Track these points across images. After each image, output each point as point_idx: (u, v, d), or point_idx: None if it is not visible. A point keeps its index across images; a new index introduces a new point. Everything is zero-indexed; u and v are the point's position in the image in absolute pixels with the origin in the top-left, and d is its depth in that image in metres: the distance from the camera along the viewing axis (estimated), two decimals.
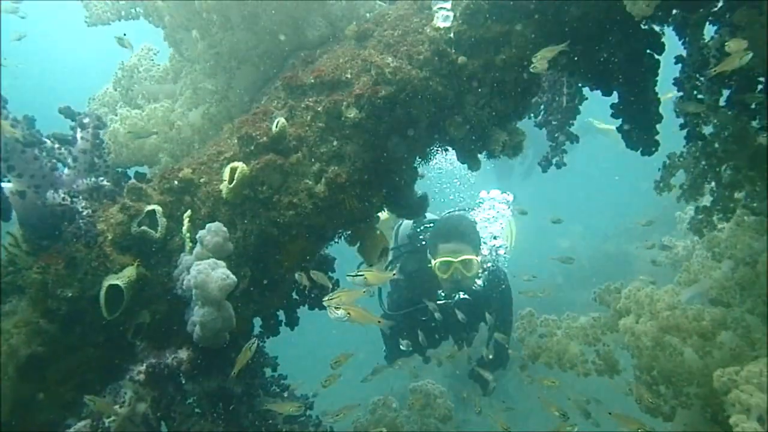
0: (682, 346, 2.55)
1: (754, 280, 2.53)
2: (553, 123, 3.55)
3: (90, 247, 2.76)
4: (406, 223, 5.18)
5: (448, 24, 3.02)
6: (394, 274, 3.73)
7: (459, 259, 4.41)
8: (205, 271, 2.55)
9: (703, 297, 2.96)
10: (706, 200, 3.15)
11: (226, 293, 2.60)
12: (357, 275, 3.14)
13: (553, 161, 3.65)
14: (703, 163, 3.14)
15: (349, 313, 2.70)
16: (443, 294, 4.50)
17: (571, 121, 3.48)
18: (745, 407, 1.99)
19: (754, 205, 3.01)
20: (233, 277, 2.61)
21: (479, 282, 4.64)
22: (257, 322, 3.82)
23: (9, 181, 2.92)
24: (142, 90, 4.07)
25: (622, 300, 2.58)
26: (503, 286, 4.83)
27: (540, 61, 2.67)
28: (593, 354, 3.28)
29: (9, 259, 2.95)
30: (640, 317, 2.51)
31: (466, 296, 4.39)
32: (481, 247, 4.66)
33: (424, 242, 4.87)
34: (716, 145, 3.11)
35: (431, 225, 4.92)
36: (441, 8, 3.03)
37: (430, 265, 4.56)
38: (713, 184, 3.09)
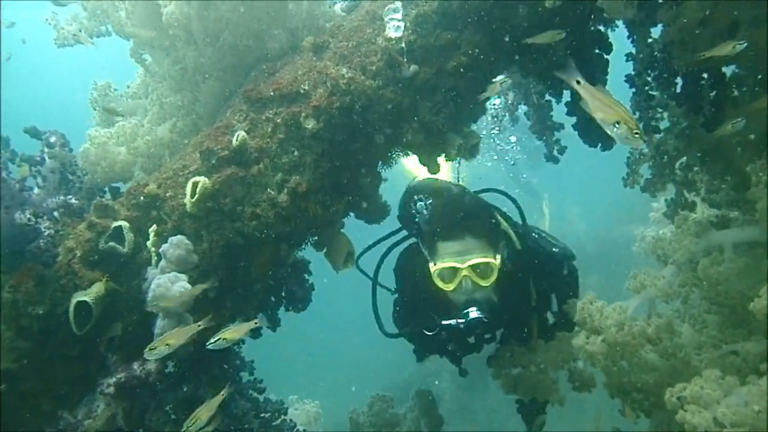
0: (643, 354, 2.60)
1: (696, 284, 2.58)
2: (534, 121, 3.63)
3: (48, 266, 2.86)
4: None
5: (399, 34, 3.08)
6: (255, 323, 2.76)
7: (468, 263, 2.93)
8: (165, 284, 2.64)
9: (650, 305, 2.98)
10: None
11: (186, 306, 2.69)
12: (217, 341, 2.64)
13: (555, 153, 3.73)
14: (659, 158, 3.19)
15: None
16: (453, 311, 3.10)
17: (549, 114, 3.54)
18: (691, 428, 2.04)
19: (713, 197, 3.07)
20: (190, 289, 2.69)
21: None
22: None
23: None
24: (119, 107, 4.16)
25: (578, 312, 2.63)
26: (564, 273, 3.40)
27: (491, 89, 2.96)
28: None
29: None
30: (589, 336, 2.57)
31: (479, 315, 2.93)
32: (501, 238, 3.14)
33: (418, 228, 3.24)
34: (669, 142, 3.16)
35: (423, 204, 3.13)
36: (392, 19, 3.09)
37: (427, 273, 3.10)
38: (672, 178, 3.14)
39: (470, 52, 3.07)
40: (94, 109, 4.21)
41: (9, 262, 3.07)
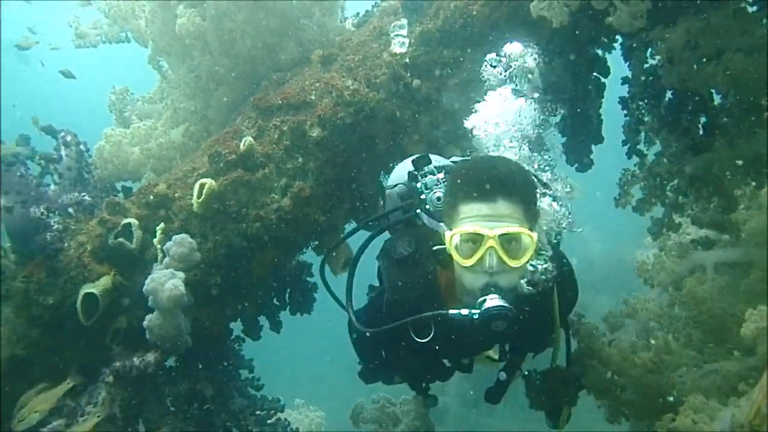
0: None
1: (681, 303, 2.68)
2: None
3: (52, 258, 3.00)
4: (400, 174, 2.79)
5: (404, 50, 3.22)
6: (68, 384, 2.44)
7: (497, 231, 2.06)
8: (158, 280, 2.78)
9: (645, 328, 3.07)
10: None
11: (175, 302, 2.81)
12: (28, 417, 2.50)
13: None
14: (653, 180, 3.30)
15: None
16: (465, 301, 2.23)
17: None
18: None
19: (700, 219, 3.16)
20: (182, 288, 2.82)
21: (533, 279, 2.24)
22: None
23: None
24: (135, 110, 4.34)
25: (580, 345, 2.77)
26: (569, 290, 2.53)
27: None
28: None
29: None
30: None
31: (505, 305, 2.07)
32: (538, 216, 2.26)
33: (428, 203, 2.49)
34: (662, 164, 3.26)
35: (446, 169, 2.57)
36: (398, 35, 3.23)
37: (440, 246, 2.27)
38: (661, 199, 3.24)
39: (473, 69, 3.20)
40: (111, 112, 4.40)
41: (22, 254, 3.22)
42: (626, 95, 3.25)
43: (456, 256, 2.13)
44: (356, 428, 4.69)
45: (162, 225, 3.25)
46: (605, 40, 3.18)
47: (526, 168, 2.25)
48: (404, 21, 3.27)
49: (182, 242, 2.96)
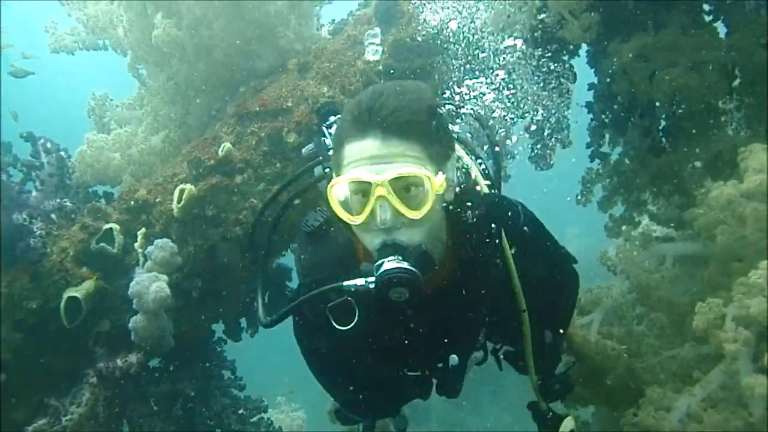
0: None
1: (644, 293, 2.82)
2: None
3: (36, 263, 3.07)
4: None
5: (377, 57, 3.33)
6: None
7: (386, 176, 1.51)
8: (143, 282, 2.86)
9: (609, 315, 3.20)
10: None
11: (161, 304, 2.90)
12: None
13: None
14: (615, 179, 3.44)
15: None
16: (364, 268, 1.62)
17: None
18: None
19: (661, 215, 3.32)
20: (167, 290, 2.91)
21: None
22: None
23: None
24: (114, 116, 4.40)
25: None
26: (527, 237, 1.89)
27: None
28: None
29: None
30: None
31: (404, 267, 1.51)
32: (450, 156, 1.66)
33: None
34: (626, 163, 3.41)
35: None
36: (371, 43, 3.34)
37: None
38: (623, 198, 3.39)
39: (443, 75, 3.33)
40: (90, 117, 4.45)
41: (5, 259, 3.28)
42: (591, 100, 3.40)
43: (342, 214, 1.56)
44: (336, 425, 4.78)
45: (143, 230, 3.33)
46: (571, 47, 3.31)
47: (432, 96, 1.63)
48: (377, 30, 3.39)
49: (164, 246, 3.05)
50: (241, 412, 3.80)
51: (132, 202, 3.44)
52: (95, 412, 3.06)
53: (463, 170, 1.75)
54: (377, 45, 3.38)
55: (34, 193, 3.48)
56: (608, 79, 3.27)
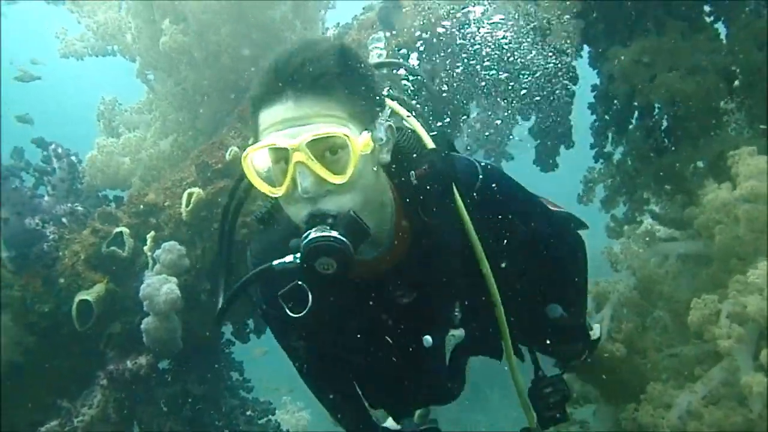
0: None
1: (647, 287, 2.84)
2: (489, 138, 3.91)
3: (49, 268, 3.14)
4: None
5: (380, 60, 3.37)
6: None
7: (301, 139, 1.31)
8: (154, 285, 2.92)
9: (617, 310, 3.21)
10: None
11: (171, 306, 2.95)
12: None
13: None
14: (618, 179, 3.47)
15: None
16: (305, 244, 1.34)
17: (506, 141, 3.84)
18: None
19: (663, 214, 3.35)
20: (177, 292, 2.97)
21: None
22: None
23: None
24: (123, 120, 4.47)
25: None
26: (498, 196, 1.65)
27: None
28: None
29: None
30: None
31: (329, 235, 1.31)
32: (378, 111, 1.44)
33: None
34: (629, 163, 3.44)
35: None
36: (375, 47, 3.38)
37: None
38: (625, 197, 3.42)
39: (447, 79, 3.37)
40: (99, 121, 4.53)
41: (18, 263, 3.35)
42: (594, 101, 3.43)
43: (261, 185, 1.40)
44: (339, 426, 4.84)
45: (152, 233, 3.39)
46: (572, 49, 3.34)
47: (349, 48, 1.44)
48: (381, 34, 3.42)
49: (171, 249, 3.10)
50: (249, 413, 3.85)
51: (141, 206, 3.50)
52: (106, 414, 3.12)
53: (409, 132, 1.56)
54: (381, 49, 3.42)
55: (46, 198, 3.56)
56: (609, 81, 3.30)
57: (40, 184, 3.77)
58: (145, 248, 3.33)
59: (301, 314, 1.47)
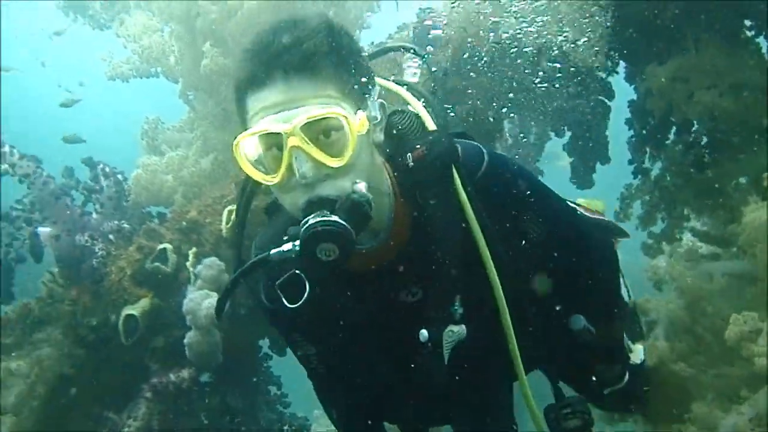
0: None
1: (693, 305, 2.80)
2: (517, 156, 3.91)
3: (98, 283, 3.27)
4: None
5: (416, 80, 3.41)
6: None
7: (296, 122, 1.24)
8: (196, 300, 3.01)
9: (668, 328, 3.17)
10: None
11: (212, 320, 3.04)
12: None
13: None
14: (656, 194, 3.43)
15: None
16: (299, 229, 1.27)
17: (537, 158, 3.83)
18: None
19: (704, 230, 3.29)
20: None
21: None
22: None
23: (45, 227, 3.49)
24: (165, 139, 4.63)
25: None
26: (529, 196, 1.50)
27: None
28: None
29: (47, 292, 3.49)
30: None
31: (329, 220, 1.23)
32: (371, 87, 1.38)
33: None
34: (667, 179, 3.40)
35: None
36: (410, 66, 3.43)
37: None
38: (664, 213, 3.38)
39: (481, 95, 3.40)
40: (143, 139, 4.69)
41: (68, 279, 3.49)
42: (631, 116, 3.40)
43: (255, 174, 1.32)
44: None
45: (194, 249, 3.50)
46: (609, 63, 3.33)
47: (337, 24, 1.36)
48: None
49: (212, 265, 3.20)
50: (286, 428, 3.91)
51: (184, 223, 3.61)
52: (150, 426, 3.21)
53: (412, 114, 1.47)
54: (416, 67, 3.47)
55: (94, 216, 3.70)
56: (646, 97, 3.28)
57: (88, 201, 3.93)
58: (187, 264, 3.44)
59: (298, 304, 1.39)
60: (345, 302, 1.48)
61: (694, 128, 3.14)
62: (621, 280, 1.84)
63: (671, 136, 3.22)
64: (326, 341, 1.56)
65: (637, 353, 2.05)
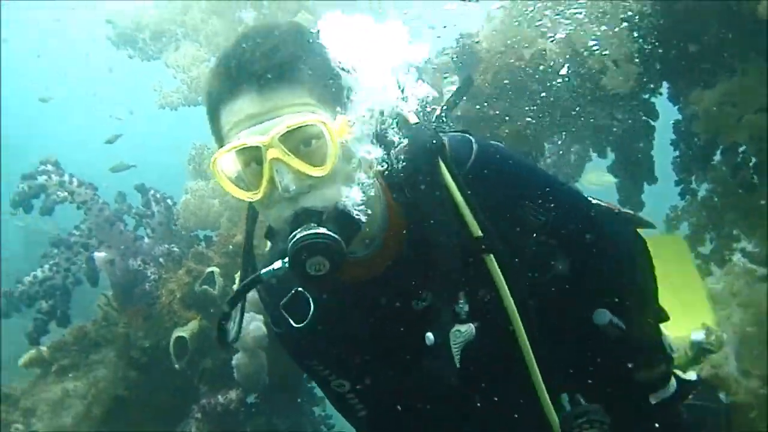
0: None
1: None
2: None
3: (151, 306, 3.38)
4: None
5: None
6: None
7: (273, 133, 1.18)
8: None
9: (737, 347, 3.09)
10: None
11: (258, 343, 3.12)
12: None
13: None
14: (704, 215, 3.37)
15: None
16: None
17: (577, 178, 3.81)
18: None
19: (755, 252, 3.21)
20: (263, 329, 3.14)
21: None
22: None
23: (100, 251, 3.64)
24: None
25: None
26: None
27: None
28: None
29: (102, 315, 3.64)
30: None
31: (317, 232, 1.17)
32: (343, 93, 1.26)
33: None
34: (715, 199, 3.34)
35: None
36: (449, 91, 3.48)
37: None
38: (712, 234, 3.32)
39: (521, 119, 3.41)
40: (189, 165, 4.86)
41: (122, 302, 3.63)
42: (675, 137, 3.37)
43: (235, 191, 1.27)
44: None
45: (239, 272, 3.58)
46: (651, 85, 3.32)
47: (305, 29, 1.32)
48: (455, 77, 3.53)
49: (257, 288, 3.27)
50: None
51: (230, 246, 3.72)
52: None
53: (394, 114, 1.31)
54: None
55: (146, 240, 3.85)
56: (691, 119, 3.24)
57: (140, 226, 4.08)
58: (234, 287, 3.53)
59: (305, 323, 1.37)
60: (352, 315, 1.42)
61: (741, 149, 3.09)
62: (649, 270, 1.63)
63: (717, 157, 3.17)
64: (341, 360, 1.50)
65: (687, 375, 1.79)
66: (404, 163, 1.31)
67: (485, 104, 3.47)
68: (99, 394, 3.32)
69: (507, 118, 3.45)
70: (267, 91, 1.20)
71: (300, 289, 1.39)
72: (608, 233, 1.51)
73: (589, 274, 1.46)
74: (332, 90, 1.25)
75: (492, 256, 1.33)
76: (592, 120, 3.48)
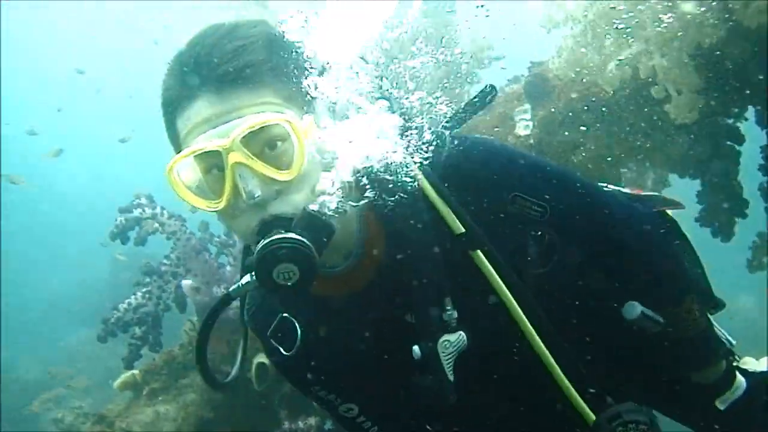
0: None
1: None
2: None
3: (232, 333, 3.53)
4: None
5: (528, 132, 3.47)
6: None
7: (234, 135, 1.09)
8: None
9: None
10: None
11: None
12: None
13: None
14: None
15: None
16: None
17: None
18: None
19: None
20: None
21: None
22: None
23: (187, 279, 3.85)
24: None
25: None
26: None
27: None
28: None
29: (189, 340, 3.84)
30: None
31: (283, 237, 1.07)
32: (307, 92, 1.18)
33: None
34: None
35: None
36: (522, 119, 3.50)
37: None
38: None
39: (595, 146, 3.37)
40: None
41: (208, 329, 3.81)
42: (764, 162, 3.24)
43: (195, 201, 1.18)
44: None
45: None
46: (735, 110, 3.22)
47: (267, 26, 1.22)
48: (527, 106, 3.54)
49: None
50: None
51: None
52: None
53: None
54: (528, 120, 3.53)
55: (228, 268, 4.03)
56: None
57: (221, 253, 4.28)
58: None
59: (294, 350, 1.29)
60: (339, 334, 1.32)
61: None
62: (681, 252, 1.45)
63: None
64: (341, 382, 1.40)
65: (754, 364, 1.51)
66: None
67: (562, 132, 3.47)
68: (188, 417, 3.49)
69: (581, 144, 3.43)
70: (225, 91, 1.11)
71: (285, 314, 1.31)
72: (620, 217, 1.34)
73: (606, 264, 1.31)
74: (298, 88, 1.16)
75: (479, 251, 1.21)
76: (669, 144, 3.41)
